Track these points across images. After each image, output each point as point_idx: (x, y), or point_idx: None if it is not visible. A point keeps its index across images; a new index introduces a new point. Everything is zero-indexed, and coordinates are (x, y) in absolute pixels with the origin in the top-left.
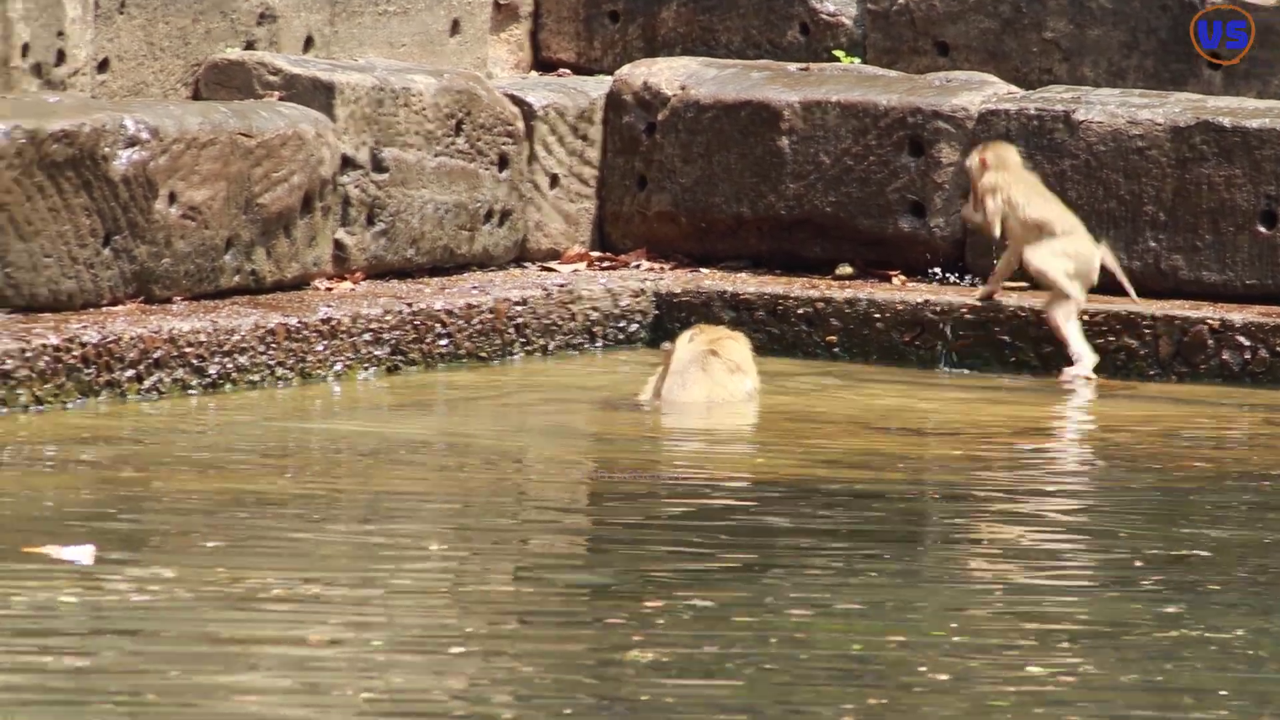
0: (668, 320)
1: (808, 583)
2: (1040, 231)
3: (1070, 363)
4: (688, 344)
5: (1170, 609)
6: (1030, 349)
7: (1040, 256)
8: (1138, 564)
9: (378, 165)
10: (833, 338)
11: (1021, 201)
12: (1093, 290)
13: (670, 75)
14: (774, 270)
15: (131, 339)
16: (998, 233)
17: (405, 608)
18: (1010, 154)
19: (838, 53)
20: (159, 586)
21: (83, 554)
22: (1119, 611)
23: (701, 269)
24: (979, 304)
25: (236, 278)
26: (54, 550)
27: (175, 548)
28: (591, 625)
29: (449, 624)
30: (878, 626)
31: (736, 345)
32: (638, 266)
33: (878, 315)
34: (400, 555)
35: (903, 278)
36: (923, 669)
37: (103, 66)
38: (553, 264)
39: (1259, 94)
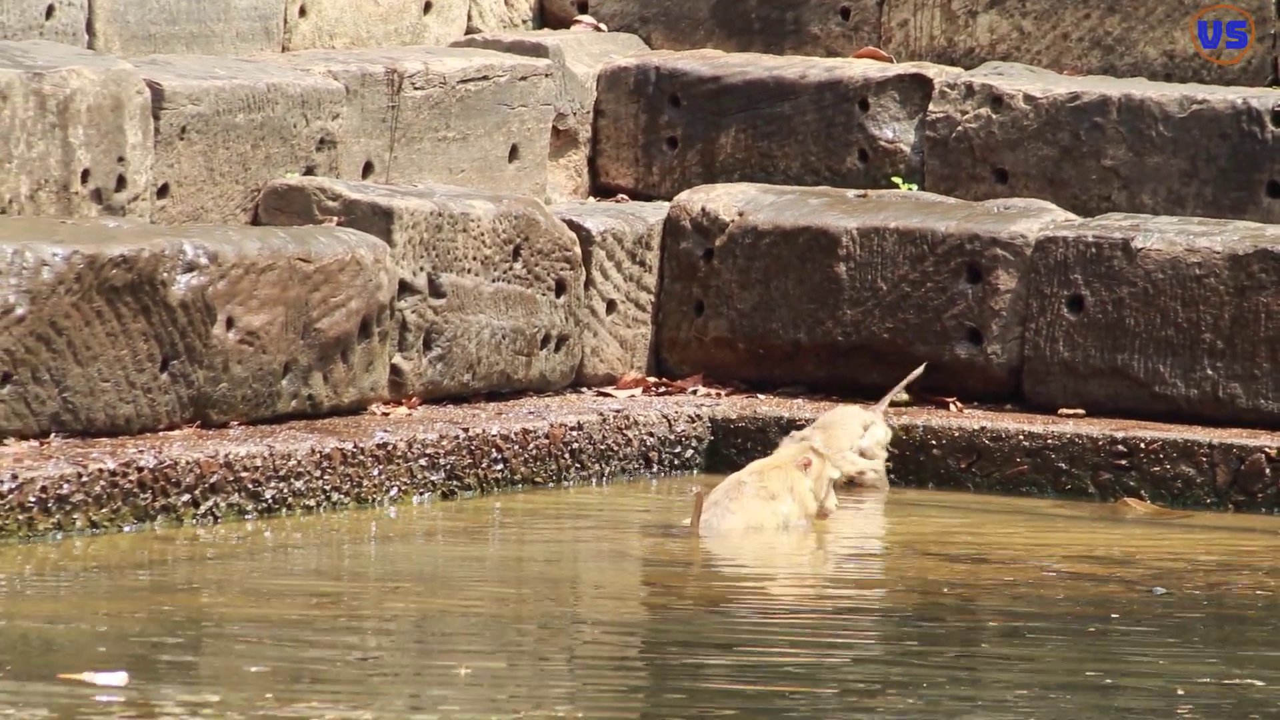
0: (723, 446)
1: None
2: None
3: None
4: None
5: None
6: (1087, 476)
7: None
8: (1179, 692)
9: (435, 290)
10: (888, 463)
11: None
12: (1150, 418)
13: (728, 201)
14: (831, 396)
15: (188, 463)
16: None
17: None
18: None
19: (896, 179)
20: (209, 711)
21: (115, 679)
22: None
23: (758, 395)
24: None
25: (293, 403)
26: (89, 676)
27: (225, 673)
28: None
29: None
30: None
31: (779, 474)
32: (694, 392)
33: (934, 441)
34: (452, 682)
35: (959, 404)
36: None
37: (162, 192)
38: (609, 389)
39: None
